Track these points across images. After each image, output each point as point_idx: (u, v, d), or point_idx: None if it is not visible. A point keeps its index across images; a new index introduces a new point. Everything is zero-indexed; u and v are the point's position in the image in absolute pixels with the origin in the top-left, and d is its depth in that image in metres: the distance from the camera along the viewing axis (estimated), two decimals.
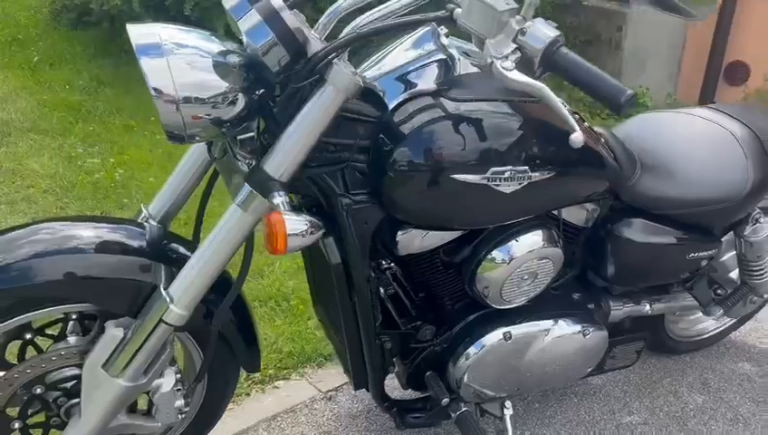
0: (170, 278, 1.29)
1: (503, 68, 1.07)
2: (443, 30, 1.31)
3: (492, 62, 1.08)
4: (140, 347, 1.24)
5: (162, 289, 1.23)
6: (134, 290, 1.28)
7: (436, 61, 1.30)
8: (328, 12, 1.27)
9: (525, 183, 1.30)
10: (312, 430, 1.84)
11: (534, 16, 1.09)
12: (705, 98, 4.80)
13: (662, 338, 2.13)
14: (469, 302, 1.56)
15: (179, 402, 1.39)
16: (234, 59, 1.16)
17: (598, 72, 1.06)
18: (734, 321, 2.25)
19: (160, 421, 1.40)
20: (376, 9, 1.22)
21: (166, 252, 1.36)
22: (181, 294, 1.22)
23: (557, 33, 1.07)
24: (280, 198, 1.14)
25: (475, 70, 1.30)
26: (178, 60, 1.10)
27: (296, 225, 1.12)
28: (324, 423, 1.87)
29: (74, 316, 1.36)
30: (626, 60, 4.72)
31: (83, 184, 3.03)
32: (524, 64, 1.10)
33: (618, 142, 1.61)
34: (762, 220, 1.81)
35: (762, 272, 1.89)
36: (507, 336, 1.54)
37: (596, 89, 1.05)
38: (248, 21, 1.11)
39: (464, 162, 1.25)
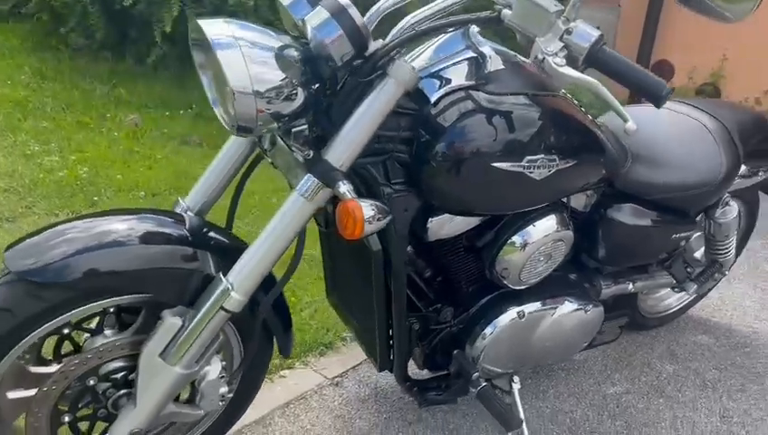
0: (218, 266, 1.33)
1: (555, 64, 1.17)
2: (475, 29, 1.39)
3: (544, 58, 1.18)
4: (199, 334, 1.28)
5: (222, 276, 1.27)
6: (185, 279, 1.31)
7: (469, 58, 1.38)
8: (370, 12, 1.33)
9: (554, 170, 1.41)
10: (325, 414, 1.90)
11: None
12: (634, 94, 5.12)
13: (634, 315, 2.31)
14: (484, 284, 1.66)
15: (223, 389, 1.42)
16: (293, 53, 1.20)
17: (637, 67, 1.19)
18: (693, 298, 2.47)
19: (204, 409, 1.42)
20: (425, 8, 1.29)
21: (209, 241, 1.39)
22: (242, 280, 1.26)
23: (599, 32, 1.19)
24: (345, 187, 1.21)
25: (502, 66, 1.41)
26: (250, 54, 1.14)
27: (369, 210, 1.19)
28: (336, 408, 1.93)
29: (112, 310, 1.36)
30: None
31: (46, 182, 2.93)
32: (568, 60, 1.21)
33: (611, 133, 1.75)
34: (730, 203, 2.01)
35: (727, 250, 2.10)
36: (521, 315, 1.65)
37: (638, 83, 1.18)
38: (317, 17, 1.17)
39: (502, 151, 1.35)
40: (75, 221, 1.30)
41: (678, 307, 2.48)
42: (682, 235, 1.91)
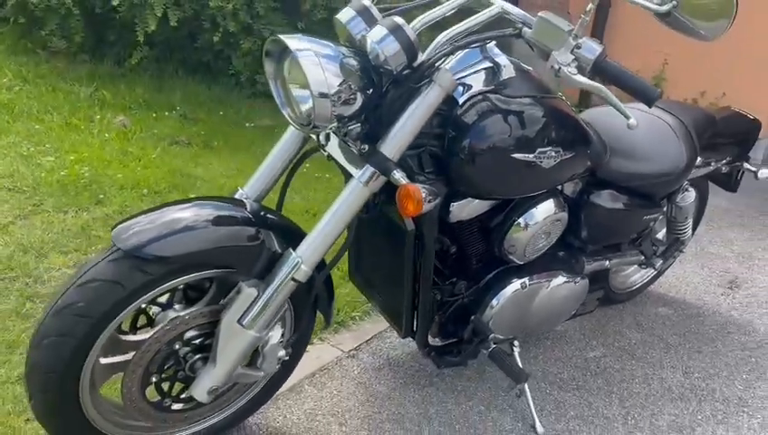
0: (280, 244, 1.55)
1: (569, 73, 1.45)
2: (493, 43, 1.65)
3: (560, 68, 1.45)
4: (272, 302, 1.50)
5: (292, 251, 1.49)
6: (257, 255, 1.52)
7: (487, 67, 1.63)
8: None
9: (559, 160, 1.69)
10: (347, 381, 2.13)
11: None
12: (583, 98, 5.52)
13: (606, 291, 2.63)
14: (492, 260, 1.93)
15: (281, 353, 1.64)
16: (353, 63, 1.44)
17: (633, 75, 1.47)
18: (653, 275, 2.81)
19: (264, 370, 1.64)
20: (455, 27, 1.54)
21: (269, 222, 1.60)
22: (309, 255, 1.49)
23: (602, 46, 1.47)
24: (399, 174, 1.45)
25: (514, 74, 1.67)
26: (324, 64, 1.37)
27: (424, 192, 1.44)
28: (357, 376, 2.17)
29: (180, 287, 1.57)
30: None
31: (49, 182, 3.04)
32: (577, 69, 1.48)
33: (593, 129, 2.05)
34: (689, 190, 2.35)
35: (686, 230, 2.44)
36: (523, 286, 1.93)
37: (634, 87, 1.46)
38: (377, 33, 1.41)
39: (519, 144, 1.61)
40: (163, 208, 1.49)
41: (641, 284, 2.82)
42: (651, 216, 2.23)
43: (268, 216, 1.63)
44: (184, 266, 1.43)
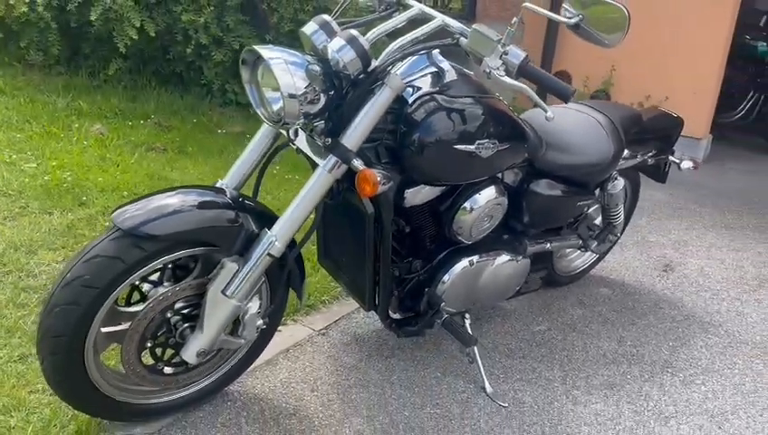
0: (257, 225, 1.79)
1: (498, 75, 1.72)
2: (437, 51, 1.92)
3: (490, 71, 1.73)
4: (251, 275, 1.74)
5: (267, 230, 1.74)
6: (237, 234, 1.76)
7: (433, 72, 1.91)
8: None
9: (496, 151, 1.97)
10: (319, 355, 2.38)
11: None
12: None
13: (552, 274, 2.92)
14: (443, 241, 2.20)
15: (259, 322, 1.88)
16: (317, 69, 1.69)
17: (551, 76, 1.75)
18: (595, 259, 3.12)
19: (244, 338, 1.88)
20: (404, 37, 1.81)
21: (247, 207, 1.84)
22: (282, 233, 1.74)
23: (525, 53, 1.74)
24: (358, 162, 1.71)
25: (456, 77, 1.95)
26: (293, 70, 1.63)
27: (380, 176, 1.70)
28: (327, 350, 2.41)
29: (170, 265, 1.81)
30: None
31: (32, 186, 3.23)
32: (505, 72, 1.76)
33: (530, 125, 2.33)
34: (618, 179, 2.65)
35: (618, 215, 2.75)
36: (471, 263, 2.20)
37: (553, 86, 1.73)
38: (336, 43, 1.67)
39: (460, 137, 1.89)
40: (155, 194, 1.73)
41: (584, 268, 3.12)
42: (584, 202, 2.53)
43: (246, 201, 1.87)
44: (174, 244, 1.67)
